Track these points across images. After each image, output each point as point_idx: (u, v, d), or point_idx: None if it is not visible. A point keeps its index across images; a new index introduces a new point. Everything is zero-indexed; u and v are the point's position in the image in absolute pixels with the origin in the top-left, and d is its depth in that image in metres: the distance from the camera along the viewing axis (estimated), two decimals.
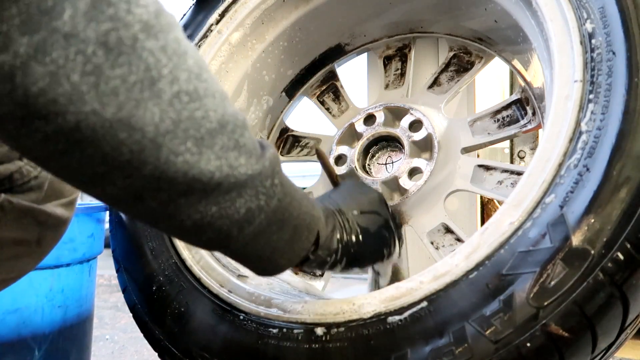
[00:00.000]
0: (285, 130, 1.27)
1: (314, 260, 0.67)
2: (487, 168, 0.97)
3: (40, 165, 0.47)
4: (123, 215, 1.02)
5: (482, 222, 1.26)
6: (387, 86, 1.19)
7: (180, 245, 0.93)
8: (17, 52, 0.38)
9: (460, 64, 1.11)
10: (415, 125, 1.03)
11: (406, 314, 0.68)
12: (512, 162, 1.30)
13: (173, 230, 0.54)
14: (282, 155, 1.27)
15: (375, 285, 0.93)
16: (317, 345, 0.73)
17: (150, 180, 0.46)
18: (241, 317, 0.80)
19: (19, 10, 0.38)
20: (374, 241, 0.76)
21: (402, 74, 1.18)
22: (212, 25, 1.10)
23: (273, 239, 0.58)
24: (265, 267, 0.63)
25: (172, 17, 0.46)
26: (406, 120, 1.04)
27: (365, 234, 0.74)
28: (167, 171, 0.46)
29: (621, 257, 0.59)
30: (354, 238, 0.71)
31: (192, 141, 0.46)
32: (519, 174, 0.93)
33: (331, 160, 1.09)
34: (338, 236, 0.69)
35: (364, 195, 0.79)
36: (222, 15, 1.10)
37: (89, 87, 0.41)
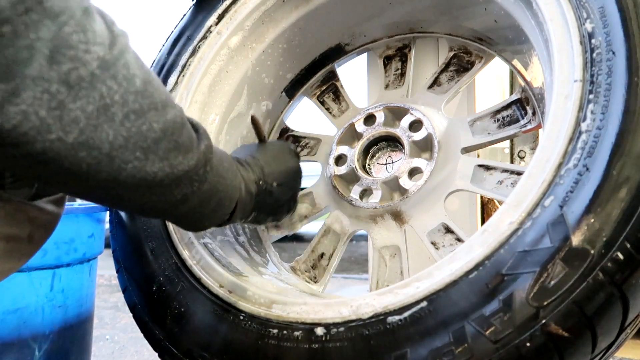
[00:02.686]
0: (285, 130, 1.27)
1: (229, 221, 0.80)
2: (487, 168, 0.97)
3: (7, 171, 0.55)
4: (123, 216, 1.03)
5: (482, 222, 1.26)
6: (387, 86, 1.19)
7: (180, 245, 0.93)
8: None
9: (460, 64, 1.11)
10: (415, 125, 1.03)
11: (406, 314, 0.68)
12: (512, 162, 1.30)
13: (117, 208, 0.67)
14: None
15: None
16: (317, 346, 0.73)
17: (103, 183, 0.54)
18: (241, 317, 0.80)
19: None
20: (279, 210, 0.93)
21: (402, 74, 1.18)
22: (211, 26, 1.10)
23: (201, 210, 0.69)
24: (192, 228, 0.76)
25: (123, 40, 0.53)
26: (406, 120, 1.04)
27: (275, 204, 0.90)
28: (118, 177, 0.54)
29: (621, 256, 0.59)
30: (266, 206, 0.87)
31: (140, 151, 0.55)
32: (519, 173, 0.93)
33: (331, 160, 1.10)
34: (252, 204, 0.83)
35: (285, 166, 0.93)
36: (221, 16, 1.10)
37: (54, 119, 0.47)
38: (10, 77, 0.45)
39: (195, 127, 0.66)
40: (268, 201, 0.87)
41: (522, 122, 0.99)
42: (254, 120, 0.98)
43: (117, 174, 0.54)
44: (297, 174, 0.96)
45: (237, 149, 0.99)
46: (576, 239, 0.60)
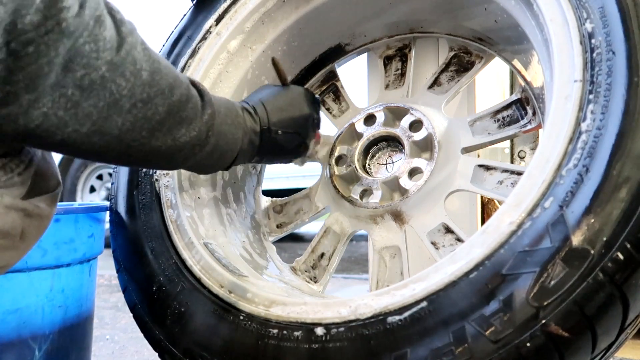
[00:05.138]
0: None
1: (231, 166, 0.88)
2: (488, 168, 0.97)
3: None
4: (123, 216, 1.03)
5: (482, 222, 1.26)
6: (387, 86, 1.19)
7: (180, 245, 0.93)
8: (21, 104, 0.53)
9: (461, 64, 1.11)
10: (416, 125, 1.03)
11: (406, 314, 0.68)
12: (512, 162, 1.30)
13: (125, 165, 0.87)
14: None
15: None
16: (317, 346, 0.73)
17: (113, 157, 0.66)
18: (241, 317, 0.80)
19: (24, 77, 0.52)
20: (285, 155, 0.98)
21: (403, 74, 1.18)
22: (210, 27, 1.10)
23: (204, 162, 0.79)
24: (198, 173, 0.89)
25: (130, 39, 0.59)
26: (406, 120, 1.03)
27: (279, 150, 0.95)
28: (126, 152, 0.65)
29: (621, 256, 0.59)
30: (269, 152, 0.93)
31: (146, 131, 0.64)
32: (519, 173, 0.93)
33: (331, 160, 1.10)
34: (254, 151, 0.90)
35: (299, 113, 0.96)
36: (221, 17, 1.10)
37: (70, 116, 0.56)
38: (34, 88, 0.52)
39: (202, 94, 0.74)
40: (272, 148, 0.92)
41: (522, 122, 0.99)
42: (274, 62, 1.02)
43: (126, 150, 0.64)
44: (307, 121, 0.98)
45: (259, 88, 1.02)
46: (576, 239, 0.60)
